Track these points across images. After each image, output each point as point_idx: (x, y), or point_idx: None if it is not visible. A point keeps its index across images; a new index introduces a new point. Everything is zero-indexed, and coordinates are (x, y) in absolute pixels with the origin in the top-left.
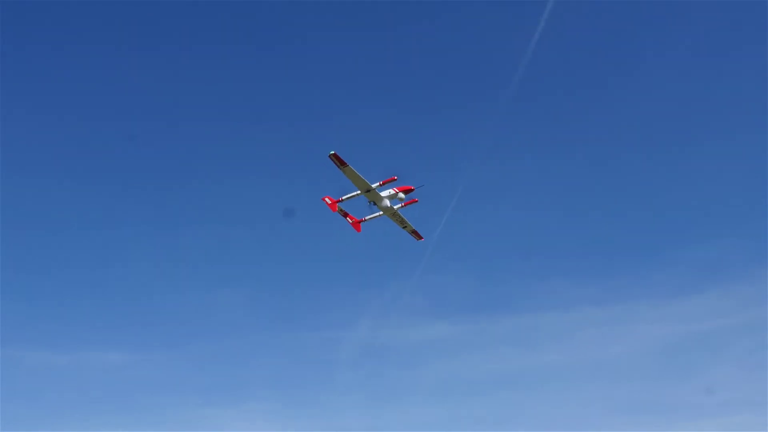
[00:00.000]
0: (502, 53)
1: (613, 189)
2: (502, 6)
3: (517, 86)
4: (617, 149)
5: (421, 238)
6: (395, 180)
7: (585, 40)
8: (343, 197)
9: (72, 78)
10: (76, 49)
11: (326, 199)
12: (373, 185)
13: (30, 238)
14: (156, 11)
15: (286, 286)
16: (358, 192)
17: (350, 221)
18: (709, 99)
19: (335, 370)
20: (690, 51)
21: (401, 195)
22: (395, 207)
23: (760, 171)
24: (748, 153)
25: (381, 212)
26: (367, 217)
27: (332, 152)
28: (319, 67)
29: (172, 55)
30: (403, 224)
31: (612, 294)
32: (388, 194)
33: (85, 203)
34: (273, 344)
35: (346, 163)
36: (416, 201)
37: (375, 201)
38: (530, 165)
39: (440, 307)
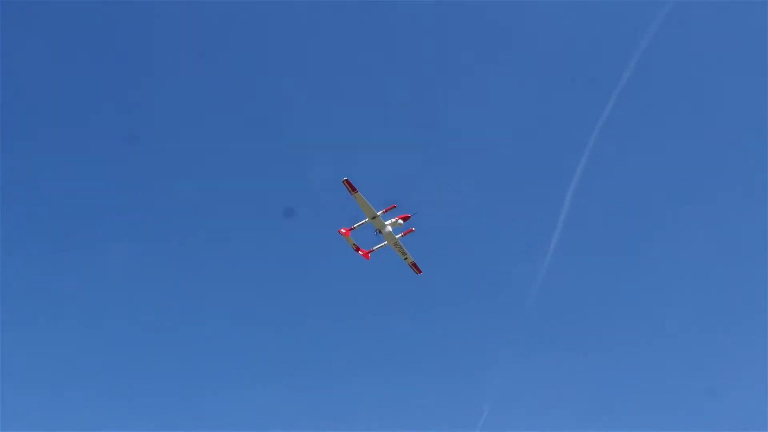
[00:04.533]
0: (524, 246)
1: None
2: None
3: (538, 289)
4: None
5: (420, 272)
6: (395, 208)
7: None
8: (355, 225)
9: None
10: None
11: (341, 230)
12: (378, 213)
13: None
14: None
15: None
16: (366, 220)
17: (361, 253)
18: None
19: None
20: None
21: (400, 221)
22: (397, 236)
23: None
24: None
25: (385, 242)
26: (374, 248)
27: (345, 179)
28: None
29: None
30: (404, 254)
31: None
32: (390, 222)
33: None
34: None
35: (356, 189)
36: (413, 230)
37: (380, 229)
38: (554, 365)
39: None
